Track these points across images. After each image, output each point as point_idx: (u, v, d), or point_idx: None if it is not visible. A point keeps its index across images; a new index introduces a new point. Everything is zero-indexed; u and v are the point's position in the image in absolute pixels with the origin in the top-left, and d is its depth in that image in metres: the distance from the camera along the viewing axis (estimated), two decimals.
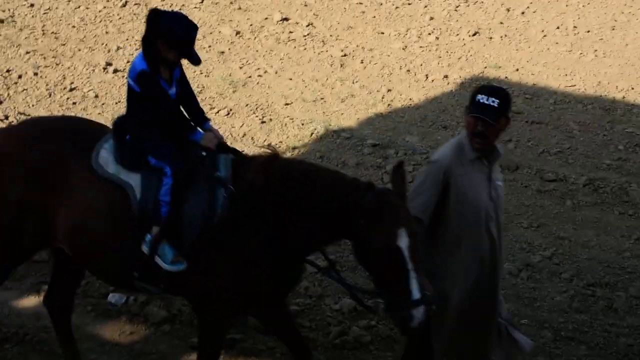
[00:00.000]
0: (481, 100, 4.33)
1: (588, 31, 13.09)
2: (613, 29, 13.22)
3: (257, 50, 11.19)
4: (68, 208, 4.40)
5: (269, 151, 4.39)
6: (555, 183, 8.39)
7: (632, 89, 10.93)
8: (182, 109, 4.58)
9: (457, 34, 12.60)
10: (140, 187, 4.32)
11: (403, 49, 11.86)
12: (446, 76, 11.02)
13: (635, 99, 10.66)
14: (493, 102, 4.30)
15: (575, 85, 11.04)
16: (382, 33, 12.39)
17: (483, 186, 4.50)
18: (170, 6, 12.52)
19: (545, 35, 12.82)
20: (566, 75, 11.36)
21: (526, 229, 7.62)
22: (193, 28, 4.28)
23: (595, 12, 13.98)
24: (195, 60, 4.32)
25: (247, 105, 9.74)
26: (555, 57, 12.02)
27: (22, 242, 4.63)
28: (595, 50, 12.27)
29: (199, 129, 4.52)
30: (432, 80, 10.91)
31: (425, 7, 13.69)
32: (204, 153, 4.37)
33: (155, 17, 4.27)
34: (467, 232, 4.47)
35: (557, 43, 12.55)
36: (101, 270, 4.69)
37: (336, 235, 4.29)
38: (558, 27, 13.18)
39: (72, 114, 8.94)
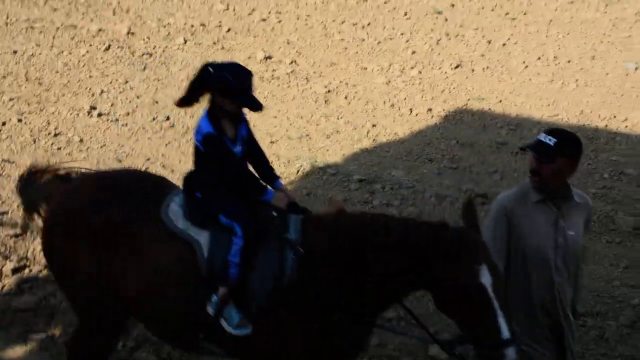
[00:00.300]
0: (539, 138, 4.30)
1: (569, 61, 13.23)
2: (593, 59, 13.37)
3: None
4: (138, 266, 4.29)
5: (336, 208, 4.35)
6: None
7: (614, 117, 11.01)
8: (250, 167, 4.54)
9: (440, 67, 12.71)
10: (209, 245, 4.22)
11: (386, 83, 11.94)
12: (430, 109, 11.08)
13: (618, 127, 10.75)
14: (550, 140, 4.24)
15: (558, 115, 11.12)
16: (365, 68, 12.48)
17: (547, 230, 4.38)
18: (154, 48, 12.59)
19: (526, 66, 12.95)
20: (549, 105, 11.45)
21: None
22: (248, 75, 4.24)
23: (575, 42, 14.15)
24: (256, 107, 4.26)
25: None
26: (537, 87, 12.13)
27: (100, 312, 4.54)
28: (577, 80, 12.39)
29: (269, 188, 4.43)
30: (416, 114, 10.97)
31: (407, 41, 13.81)
32: (274, 213, 4.27)
33: (208, 71, 4.21)
34: (527, 274, 4.38)
35: (538, 74, 12.67)
36: (166, 331, 4.51)
37: (413, 284, 4.07)
38: (539, 58, 13.31)
39: (57, 160, 8.92)
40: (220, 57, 12.30)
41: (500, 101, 11.55)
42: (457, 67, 12.71)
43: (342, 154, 9.76)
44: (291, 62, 12.41)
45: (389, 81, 12.03)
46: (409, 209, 8.36)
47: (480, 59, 13.21)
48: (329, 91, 11.51)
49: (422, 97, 11.54)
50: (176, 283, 4.24)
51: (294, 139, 10.02)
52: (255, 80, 4.38)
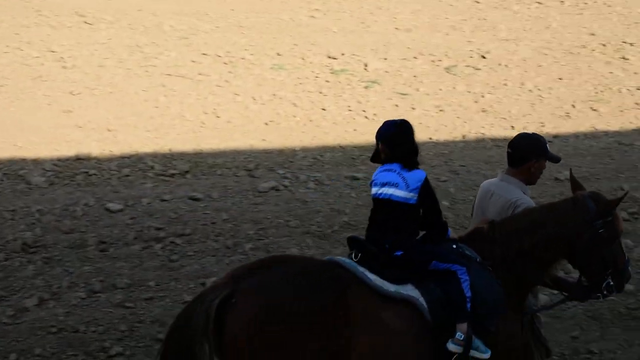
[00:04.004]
0: (549, 148, 5.23)
1: None
2: None
3: None
4: (366, 337, 4.30)
5: (484, 224, 4.84)
6: None
7: None
8: None
9: None
10: (421, 295, 4.42)
11: None
12: None
13: None
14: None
15: None
16: None
17: None
18: None
19: None
20: None
21: None
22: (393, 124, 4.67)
23: None
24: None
25: None
26: None
27: None
28: None
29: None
30: None
31: None
32: (454, 245, 4.64)
33: (408, 128, 4.64)
34: None
35: None
36: None
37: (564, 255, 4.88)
38: None
39: None
40: None
41: None
42: None
43: None
44: None
45: None
46: None
47: None
48: None
49: None
50: (406, 340, 4.37)
51: None
52: None
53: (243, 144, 11.30)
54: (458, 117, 12.48)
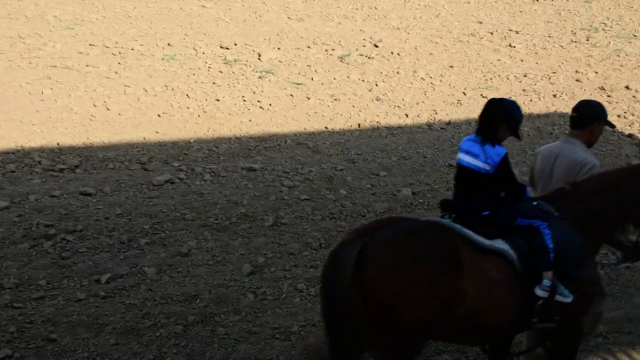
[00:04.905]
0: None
1: None
2: None
3: None
4: (480, 281, 4.80)
5: (566, 185, 5.28)
6: None
7: None
8: None
9: None
10: (511, 248, 4.97)
11: None
12: None
13: None
14: None
15: None
16: None
17: None
18: None
19: None
20: None
21: None
22: (521, 110, 5.12)
23: None
24: (521, 137, 5.25)
25: None
26: None
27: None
28: None
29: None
30: None
31: None
32: (534, 202, 5.14)
33: (499, 105, 5.06)
34: None
35: None
36: (500, 328, 5.04)
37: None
38: None
39: None
40: None
41: None
42: None
43: None
44: None
45: None
46: None
47: None
48: None
49: None
50: (503, 286, 4.89)
51: None
52: None
53: (135, 137, 11.00)
54: (353, 106, 12.52)
